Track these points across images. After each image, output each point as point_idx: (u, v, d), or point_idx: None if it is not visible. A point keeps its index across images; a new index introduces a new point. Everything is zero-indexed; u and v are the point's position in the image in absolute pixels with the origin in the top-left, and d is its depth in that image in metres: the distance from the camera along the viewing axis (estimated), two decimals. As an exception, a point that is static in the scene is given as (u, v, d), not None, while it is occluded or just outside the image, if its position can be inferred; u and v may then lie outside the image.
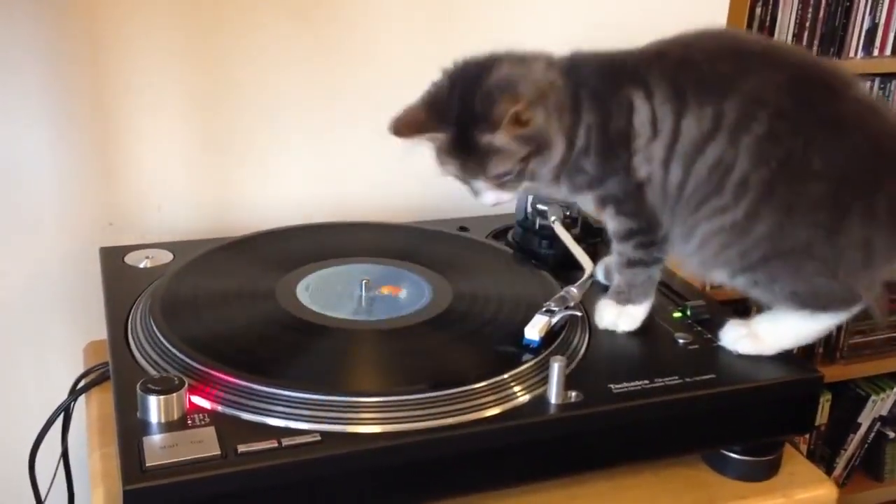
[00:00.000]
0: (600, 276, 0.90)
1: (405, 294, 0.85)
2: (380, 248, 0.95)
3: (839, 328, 1.74)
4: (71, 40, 1.00)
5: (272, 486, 0.63)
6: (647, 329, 0.83)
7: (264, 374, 0.70)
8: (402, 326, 0.80)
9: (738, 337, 0.79)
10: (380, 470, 0.66)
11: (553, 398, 0.71)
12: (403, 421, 0.67)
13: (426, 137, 0.77)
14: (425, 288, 0.87)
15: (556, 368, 0.70)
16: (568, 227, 0.96)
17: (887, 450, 1.88)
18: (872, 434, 1.86)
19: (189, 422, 0.66)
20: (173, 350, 0.73)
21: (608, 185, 0.79)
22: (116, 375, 0.73)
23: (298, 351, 0.76)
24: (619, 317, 0.82)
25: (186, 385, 0.67)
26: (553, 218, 0.96)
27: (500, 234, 1.05)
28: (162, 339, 0.75)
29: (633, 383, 0.74)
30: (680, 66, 0.76)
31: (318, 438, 0.65)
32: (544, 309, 0.79)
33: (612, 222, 0.81)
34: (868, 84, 1.63)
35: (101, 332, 0.82)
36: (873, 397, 1.82)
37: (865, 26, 1.63)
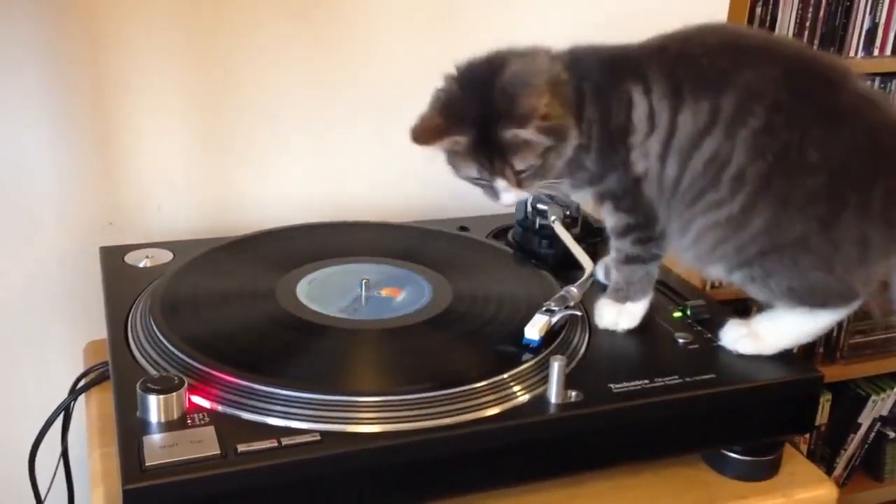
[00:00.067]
0: (600, 276, 0.90)
1: (405, 296, 0.85)
2: (380, 247, 0.95)
3: (839, 328, 1.75)
4: (71, 40, 1.00)
5: (272, 485, 0.63)
6: (647, 329, 0.83)
7: (264, 373, 0.70)
8: (402, 326, 0.80)
9: (738, 336, 0.79)
10: (380, 469, 0.66)
11: (553, 398, 0.71)
12: (403, 420, 0.67)
13: (446, 142, 0.77)
14: (425, 288, 0.87)
15: (556, 368, 0.70)
16: (568, 227, 0.96)
17: (887, 450, 1.88)
18: (873, 434, 1.86)
19: (189, 421, 0.66)
20: (173, 349, 0.73)
21: (607, 181, 0.79)
22: (116, 375, 0.73)
23: (298, 350, 0.76)
24: (619, 315, 0.82)
25: (186, 384, 0.67)
26: (553, 217, 0.96)
27: (500, 234, 1.05)
28: (162, 338, 0.75)
29: (633, 383, 0.74)
30: (678, 61, 0.76)
31: (318, 438, 0.65)
32: (544, 308, 0.79)
33: (610, 218, 0.81)
34: (868, 84, 1.63)
35: (101, 332, 0.82)
36: (873, 397, 1.82)
37: (866, 26, 1.62)
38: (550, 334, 0.77)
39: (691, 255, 0.79)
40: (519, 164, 0.77)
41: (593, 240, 0.98)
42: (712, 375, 0.76)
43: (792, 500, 0.77)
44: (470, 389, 0.70)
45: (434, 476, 0.69)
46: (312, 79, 1.11)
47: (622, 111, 0.77)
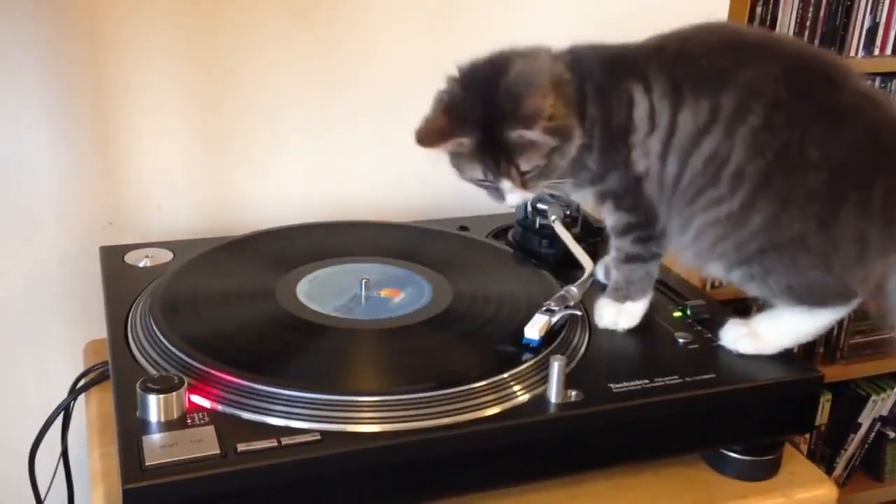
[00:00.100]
0: (600, 276, 0.90)
1: (405, 296, 0.85)
2: (380, 247, 0.95)
3: (839, 328, 1.75)
4: (71, 40, 1.00)
5: (272, 485, 0.63)
6: (647, 328, 0.83)
7: (264, 373, 0.70)
8: (402, 326, 0.80)
9: (738, 336, 0.79)
10: (379, 469, 0.66)
11: (553, 397, 0.71)
12: (403, 420, 0.67)
13: (451, 144, 0.77)
14: (425, 287, 0.87)
15: (555, 368, 0.70)
16: (568, 227, 0.96)
17: (887, 450, 1.88)
18: (873, 434, 1.86)
19: (189, 421, 0.66)
20: (173, 349, 0.73)
21: (608, 180, 0.79)
22: (116, 374, 0.73)
23: (298, 350, 0.76)
24: (619, 315, 0.82)
25: (186, 384, 0.67)
26: (553, 217, 0.96)
27: (500, 234, 1.05)
28: (162, 338, 0.75)
29: (633, 383, 0.74)
30: (678, 60, 0.76)
31: (318, 438, 0.65)
32: (544, 308, 0.79)
33: (610, 217, 0.82)
34: (868, 84, 1.63)
35: (100, 332, 0.82)
36: (873, 397, 1.82)
37: (866, 25, 1.62)
38: (550, 334, 0.77)
39: (691, 252, 0.79)
40: (524, 165, 0.77)
41: (593, 239, 0.98)
42: (712, 375, 0.76)
43: (792, 499, 0.77)
44: (470, 389, 0.70)
45: (434, 476, 0.69)
46: (312, 79, 1.11)
47: (623, 110, 0.77)
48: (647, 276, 0.82)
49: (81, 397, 0.88)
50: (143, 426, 0.65)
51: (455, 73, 0.79)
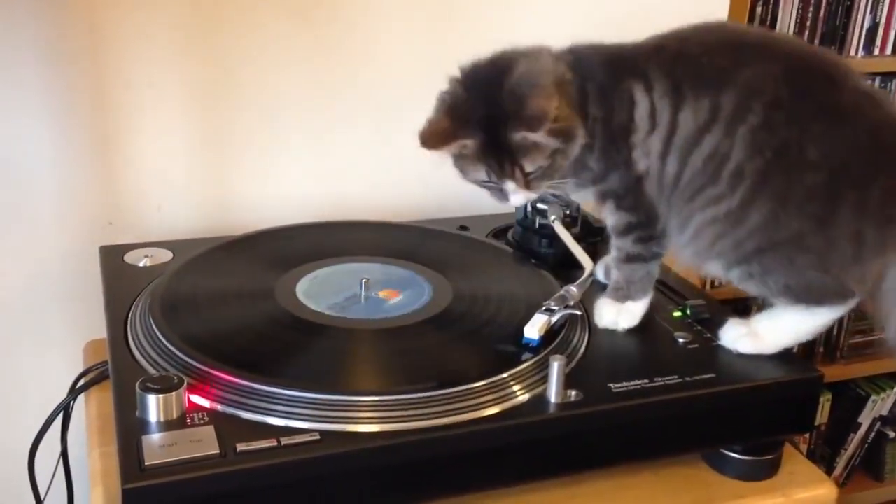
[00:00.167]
0: (600, 276, 0.90)
1: (405, 296, 0.85)
2: (380, 247, 0.95)
3: (839, 328, 1.75)
4: (71, 40, 1.00)
5: (271, 485, 0.63)
6: (646, 328, 0.83)
7: (263, 373, 0.70)
8: (402, 325, 0.80)
9: (737, 336, 0.79)
10: (379, 469, 0.66)
11: (553, 397, 0.71)
12: (403, 420, 0.67)
13: (455, 146, 0.77)
14: (425, 287, 0.87)
15: (555, 367, 0.70)
16: (568, 227, 0.96)
17: (887, 449, 1.88)
18: (873, 434, 1.86)
19: (188, 421, 0.66)
20: (172, 349, 0.73)
21: (610, 180, 0.79)
22: (116, 374, 0.73)
23: (298, 350, 0.76)
24: (619, 315, 0.82)
25: (185, 384, 0.67)
26: (553, 217, 0.96)
27: (500, 234, 1.05)
28: (161, 337, 0.75)
29: (632, 382, 0.74)
30: (678, 60, 0.76)
31: (318, 437, 0.65)
32: (544, 308, 0.79)
33: (611, 217, 0.82)
34: (868, 83, 1.63)
35: (100, 331, 0.82)
36: (873, 397, 1.82)
37: (866, 25, 1.62)
38: (550, 334, 0.77)
39: (690, 251, 0.79)
40: (528, 166, 0.77)
41: (593, 239, 0.98)
42: (712, 375, 0.76)
43: (791, 499, 0.77)
44: (469, 389, 0.70)
45: (433, 476, 0.69)
46: (312, 78, 1.11)
47: (624, 110, 0.77)
48: (647, 275, 0.82)
49: (81, 397, 0.89)
50: (143, 426, 0.65)
51: (457, 73, 0.79)
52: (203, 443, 0.63)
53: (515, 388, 0.71)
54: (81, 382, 0.89)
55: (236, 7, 1.05)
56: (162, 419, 0.65)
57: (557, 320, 0.78)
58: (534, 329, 0.76)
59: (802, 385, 0.78)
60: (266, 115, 1.10)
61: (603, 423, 0.72)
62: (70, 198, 1.06)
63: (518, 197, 0.80)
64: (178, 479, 0.60)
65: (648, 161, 0.77)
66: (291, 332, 0.78)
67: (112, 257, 0.94)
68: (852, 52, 1.63)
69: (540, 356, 0.74)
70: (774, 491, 0.77)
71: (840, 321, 1.69)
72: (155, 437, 0.64)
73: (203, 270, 0.89)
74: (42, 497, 0.96)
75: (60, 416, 0.88)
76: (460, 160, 0.79)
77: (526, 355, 0.75)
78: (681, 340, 0.81)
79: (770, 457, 0.78)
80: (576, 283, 0.83)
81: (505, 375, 0.72)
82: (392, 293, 0.85)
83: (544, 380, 0.71)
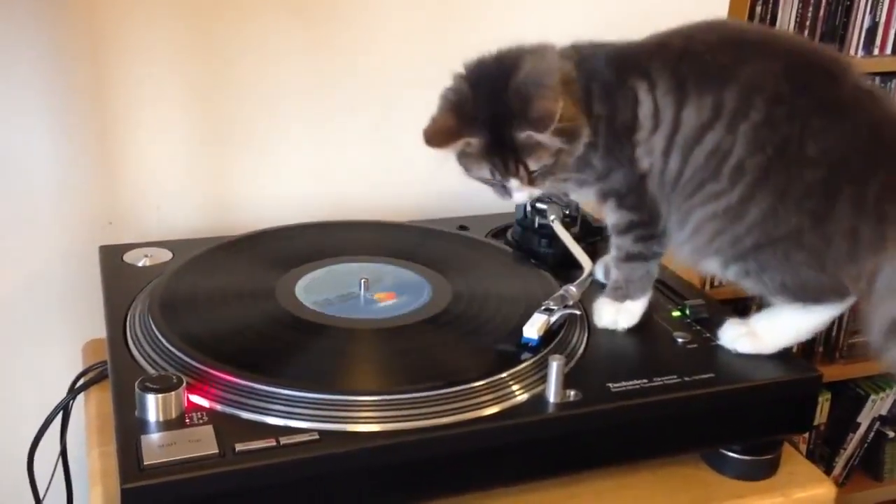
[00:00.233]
0: (599, 275, 0.90)
1: (404, 295, 0.85)
2: (379, 246, 0.95)
3: (838, 327, 1.75)
4: (71, 39, 1.00)
5: (270, 484, 0.63)
6: (645, 328, 0.83)
7: (263, 372, 0.70)
8: (401, 325, 0.80)
9: (736, 336, 0.79)
10: (378, 469, 0.66)
11: (552, 397, 0.71)
12: (402, 420, 0.67)
13: (459, 144, 0.77)
14: (424, 287, 0.87)
15: (554, 367, 0.70)
16: (567, 226, 0.96)
17: (886, 449, 1.88)
18: (872, 434, 1.86)
19: (187, 420, 0.66)
20: (172, 349, 0.73)
21: (612, 178, 0.79)
22: (115, 374, 0.73)
23: (297, 350, 0.76)
24: (618, 314, 0.82)
25: (185, 384, 0.67)
26: (552, 217, 0.96)
27: (499, 233, 1.05)
28: (160, 337, 0.75)
29: (631, 382, 0.74)
30: (681, 58, 0.76)
31: (317, 437, 0.65)
32: (543, 308, 0.79)
33: (612, 215, 0.81)
34: (868, 80, 1.63)
35: (99, 331, 0.82)
36: (872, 397, 1.82)
37: (866, 25, 1.62)
38: (549, 334, 0.77)
39: (689, 248, 0.79)
40: (533, 165, 0.77)
41: (592, 239, 0.98)
42: (711, 375, 0.76)
43: (791, 499, 0.77)
44: (469, 389, 0.70)
45: (433, 475, 0.69)
46: (312, 70, 1.10)
47: (628, 108, 0.77)
48: (647, 274, 0.82)
49: (80, 396, 0.89)
50: (142, 426, 0.65)
51: (461, 70, 0.78)
52: (202, 442, 0.63)
53: (514, 387, 0.71)
54: (81, 382, 0.89)
55: (236, 6, 1.05)
56: (161, 419, 0.65)
57: (556, 320, 0.78)
58: (533, 329, 0.76)
59: (801, 385, 0.78)
60: (266, 115, 1.10)
61: (602, 422, 0.72)
62: (70, 197, 1.06)
63: (521, 194, 0.80)
64: (177, 479, 0.60)
65: (651, 159, 0.78)
66: (291, 332, 0.78)
67: (111, 257, 0.94)
68: (852, 52, 1.63)
69: (539, 356, 0.74)
70: (773, 491, 0.77)
71: (839, 321, 1.69)
72: (154, 437, 0.64)
73: (202, 270, 0.89)
74: (41, 496, 0.96)
75: (60, 415, 0.88)
76: (464, 158, 0.79)
77: (525, 355, 0.75)
78: (680, 340, 0.81)
79: (769, 456, 0.78)
80: (575, 283, 0.83)
81: (504, 375, 0.72)
82: (393, 291, 0.85)
83: (543, 379, 0.71)
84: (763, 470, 0.79)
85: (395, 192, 1.17)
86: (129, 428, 0.65)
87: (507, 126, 0.75)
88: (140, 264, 0.92)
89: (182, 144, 1.08)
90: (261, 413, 0.67)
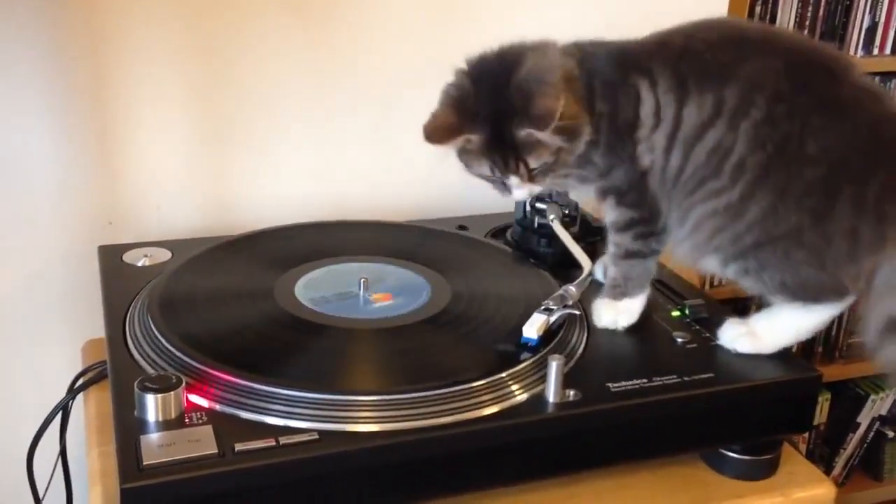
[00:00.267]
0: (599, 275, 0.90)
1: (403, 295, 0.85)
2: (378, 246, 0.95)
3: (838, 327, 1.75)
4: (71, 39, 1.00)
5: (270, 484, 0.63)
6: (645, 328, 0.83)
7: (262, 372, 0.70)
8: (401, 325, 0.80)
9: (736, 335, 0.79)
10: (378, 468, 0.66)
11: (551, 397, 0.71)
12: (401, 419, 0.67)
13: (460, 140, 0.77)
14: (424, 286, 0.87)
15: (554, 367, 0.70)
16: (567, 226, 0.96)
17: (886, 449, 1.88)
18: (871, 433, 1.86)
19: (187, 420, 0.66)
20: (171, 348, 0.73)
21: (613, 175, 0.79)
22: (114, 374, 0.73)
23: (297, 349, 0.76)
24: (617, 313, 0.82)
25: (184, 384, 0.67)
26: (552, 217, 0.96)
27: (498, 233, 1.05)
28: (160, 337, 0.75)
29: (631, 382, 0.74)
30: (682, 56, 0.76)
31: (316, 437, 0.65)
32: (543, 307, 0.79)
33: (612, 213, 0.81)
34: (869, 78, 1.63)
35: (99, 331, 0.82)
36: (872, 396, 1.82)
37: (865, 25, 1.62)
38: (549, 333, 0.77)
39: (688, 245, 0.79)
40: (533, 163, 0.77)
41: (592, 239, 0.98)
42: (710, 375, 0.76)
43: (790, 499, 0.77)
44: (468, 388, 0.70)
45: (432, 475, 0.69)
46: (312, 69, 1.10)
47: (630, 106, 0.77)
48: (645, 272, 0.82)
49: (80, 396, 0.89)
50: (141, 425, 0.65)
51: (463, 65, 0.78)
52: (201, 442, 0.63)
53: (514, 387, 0.71)
54: (80, 382, 0.89)
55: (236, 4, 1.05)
56: (160, 419, 0.65)
57: (556, 320, 0.78)
58: (532, 328, 0.76)
59: (801, 384, 0.78)
60: (266, 115, 1.10)
61: (601, 422, 0.72)
62: (70, 197, 1.06)
63: (521, 191, 0.80)
64: (177, 479, 0.60)
65: (652, 156, 0.78)
66: (290, 332, 0.78)
67: (111, 257, 0.94)
68: (851, 52, 1.63)
69: (538, 356, 0.74)
70: (773, 491, 0.77)
71: (838, 320, 1.69)
72: (153, 437, 0.64)
73: (202, 270, 0.89)
74: (41, 496, 0.96)
75: (59, 415, 0.89)
76: (464, 154, 0.79)
77: (524, 355, 0.75)
78: (679, 340, 0.81)
79: (769, 456, 0.78)
80: (574, 283, 0.83)
81: (503, 375, 0.72)
82: (392, 291, 0.85)
83: (543, 379, 0.71)
84: (763, 470, 0.79)
85: (394, 192, 1.17)
86: (128, 428, 0.65)
87: (508, 123, 0.75)
88: (139, 264, 0.92)
89: (182, 144, 1.08)
90: (260, 413, 0.67)
